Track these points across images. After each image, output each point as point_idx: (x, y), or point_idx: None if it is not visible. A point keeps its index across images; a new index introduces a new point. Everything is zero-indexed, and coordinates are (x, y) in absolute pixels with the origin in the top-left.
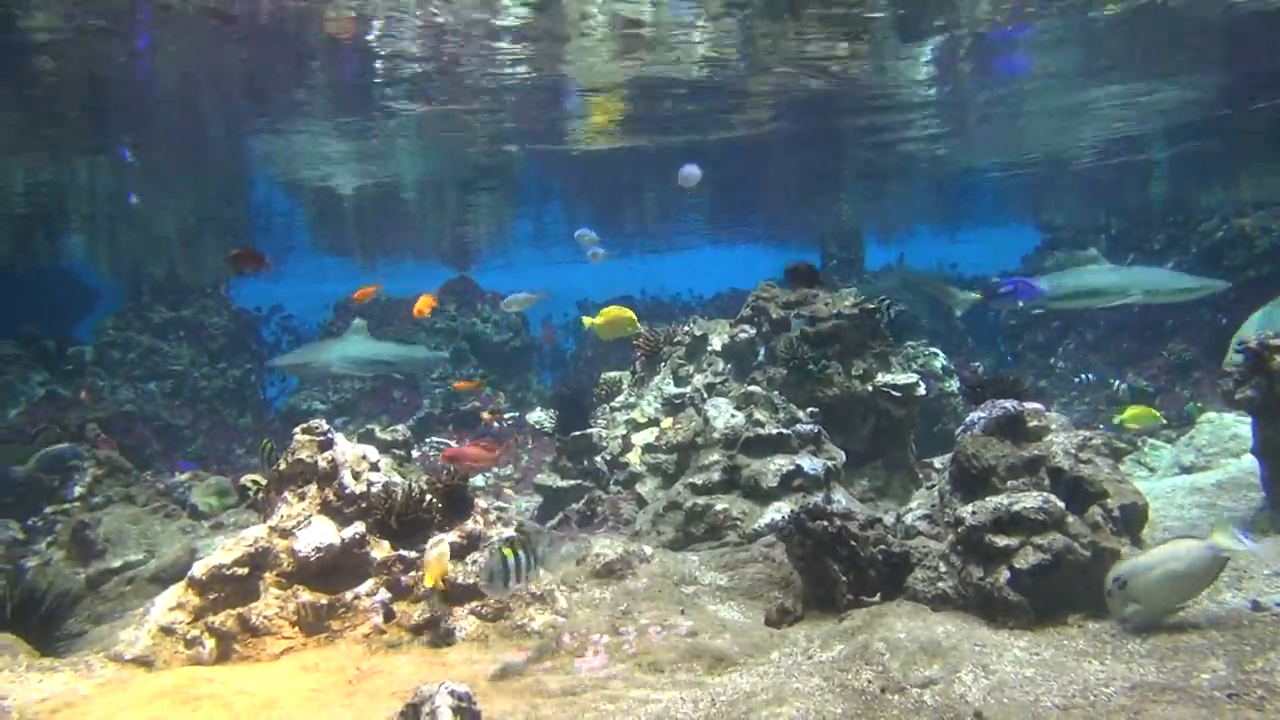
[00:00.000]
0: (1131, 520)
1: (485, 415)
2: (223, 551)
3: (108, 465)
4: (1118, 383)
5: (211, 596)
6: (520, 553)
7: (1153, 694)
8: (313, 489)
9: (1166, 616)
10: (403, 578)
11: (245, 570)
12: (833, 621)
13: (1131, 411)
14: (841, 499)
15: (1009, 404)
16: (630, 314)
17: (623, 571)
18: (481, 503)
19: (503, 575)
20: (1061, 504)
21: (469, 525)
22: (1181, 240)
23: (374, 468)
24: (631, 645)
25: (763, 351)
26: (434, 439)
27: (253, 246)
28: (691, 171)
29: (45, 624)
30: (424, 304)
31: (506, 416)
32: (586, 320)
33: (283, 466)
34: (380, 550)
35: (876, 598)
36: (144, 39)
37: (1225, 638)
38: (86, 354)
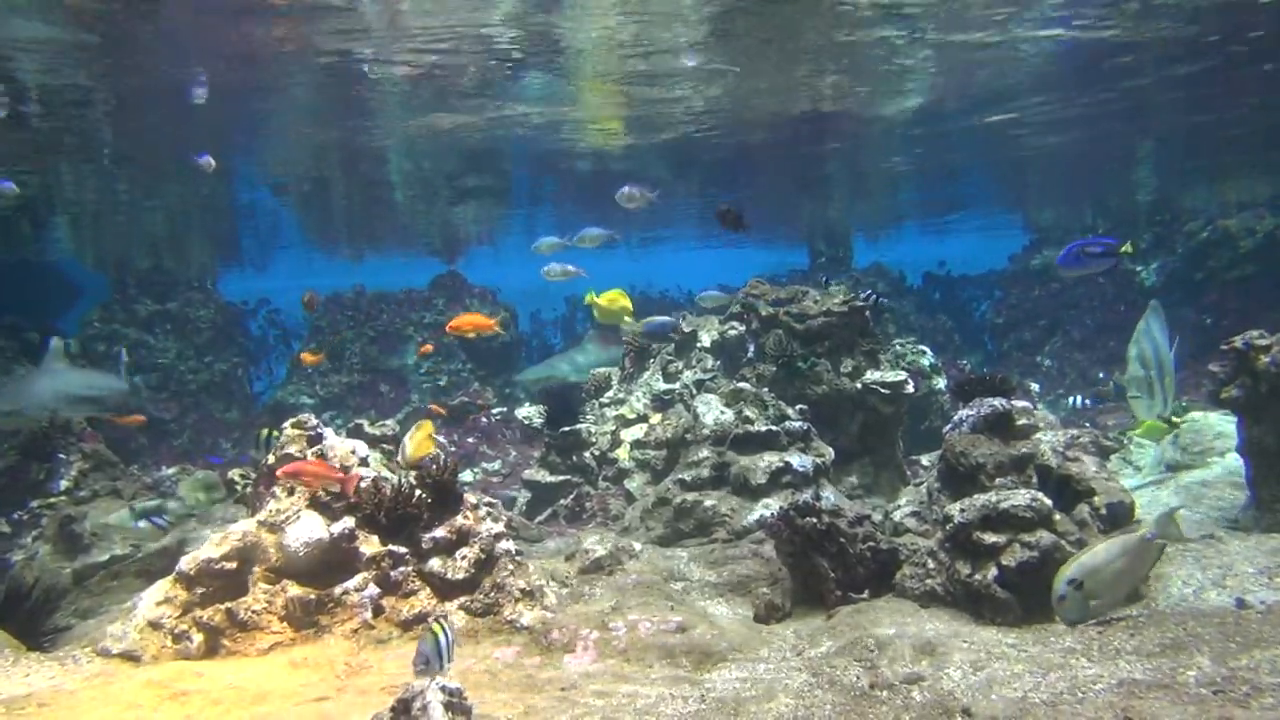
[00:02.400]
0: (1118, 518)
1: (480, 406)
2: (211, 546)
3: (94, 459)
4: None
5: (199, 591)
6: (446, 630)
7: (1139, 691)
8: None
9: (1117, 608)
10: (392, 573)
11: (233, 565)
12: (821, 618)
13: (1149, 425)
14: (830, 496)
15: (997, 402)
16: (628, 303)
17: (612, 567)
18: (471, 498)
19: (437, 655)
20: (1049, 502)
21: (458, 521)
22: (1168, 240)
23: (363, 462)
24: (621, 641)
25: (752, 348)
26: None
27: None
28: (630, 193)
29: (31, 618)
30: (468, 322)
31: (495, 412)
32: (590, 296)
33: (271, 460)
34: (369, 545)
35: (865, 594)
36: None
37: (1211, 635)
38: (71, 346)
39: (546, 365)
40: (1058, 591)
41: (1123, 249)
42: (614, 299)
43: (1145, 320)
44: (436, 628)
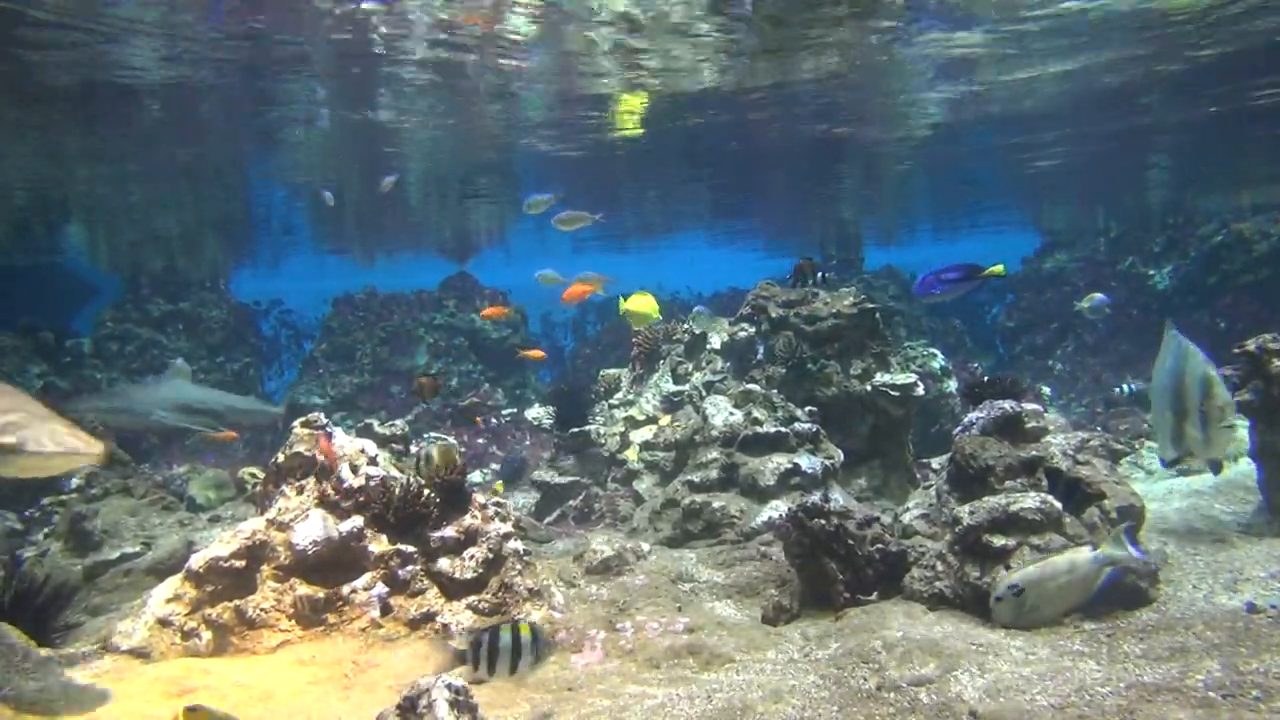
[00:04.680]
0: (1128, 522)
1: (477, 420)
2: (220, 544)
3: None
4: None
5: (209, 589)
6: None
7: (1148, 694)
8: (311, 482)
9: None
10: (400, 572)
11: (243, 563)
12: (829, 620)
13: None
14: (839, 498)
15: (1007, 404)
16: (655, 306)
17: (620, 568)
18: (479, 498)
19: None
20: (1059, 504)
21: (467, 520)
22: (1181, 244)
23: (372, 462)
24: (628, 642)
25: (761, 350)
26: (432, 435)
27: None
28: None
29: (42, 615)
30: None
31: (504, 413)
32: (623, 303)
33: (281, 459)
34: (378, 544)
35: (873, 596)
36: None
37: (1221, 639)
38: (84, 346)
39: (111, 396)
40: (997, 592)
41: (988, 271)
42: (645, 302)
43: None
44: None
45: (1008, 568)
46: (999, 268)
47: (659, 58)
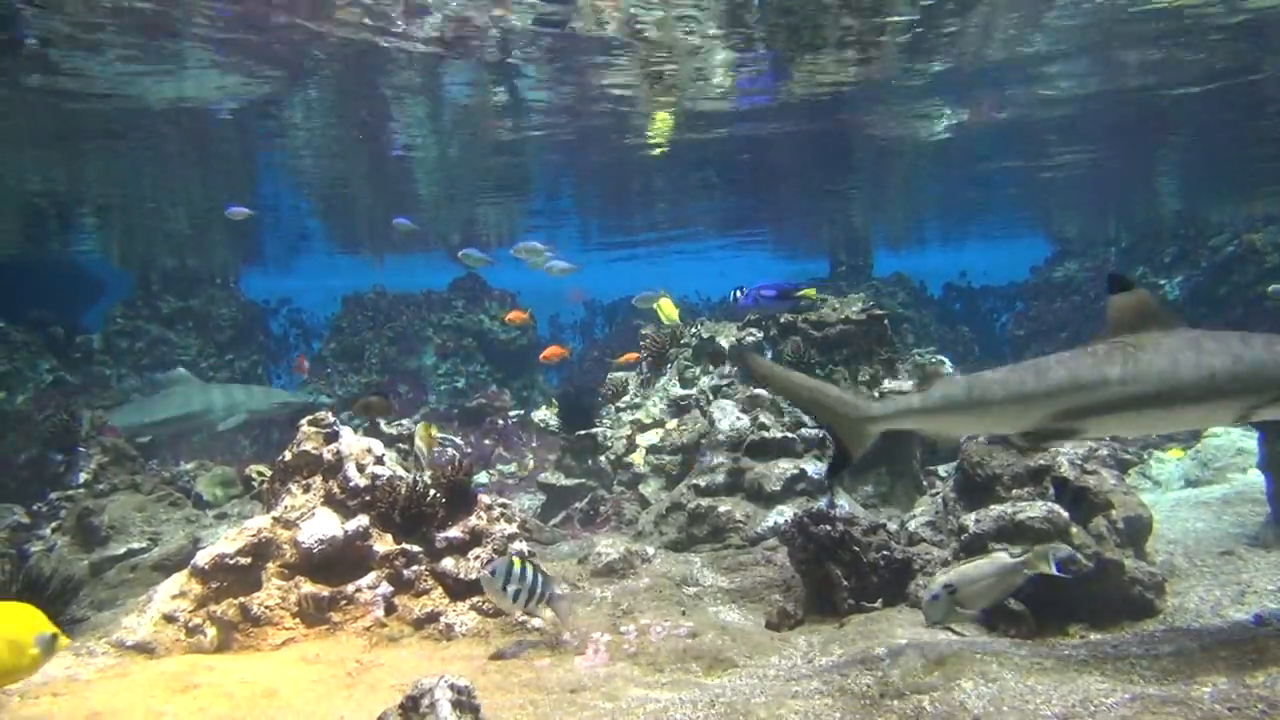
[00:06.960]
0: (1136, 532)
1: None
2: (226, 541)
3: (113, 453)
4: None
5: (214, 585)
6: (529, 570)
7: (1153, 706)
8: (317, 481)
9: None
10: (405, 571)
11: (248, 560)
12: (833, 626)
13: None
14: (845, 504)
15: None
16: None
17: (624, 571)
18: (485, 499)
19: (507, 580)
20: (1066, 514)
21: (472, 521)
22: (1192, 254)
23: (379, 461)
24: (632, 644)
25: (769, 355)
26: (439, 435)
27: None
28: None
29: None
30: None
31: (511, 415)
32: (650, 300)
33: (288, 457)
34: (383, 543)
35: (878, 603)
36: None
37: (1228, 651)
38: (94, 342)
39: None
40: (932, 591)
41: (800, 293)
42: (665, 302)
43: None
44: (518, 561)
45: None
46: (810, 291)
47: (675, 74)
